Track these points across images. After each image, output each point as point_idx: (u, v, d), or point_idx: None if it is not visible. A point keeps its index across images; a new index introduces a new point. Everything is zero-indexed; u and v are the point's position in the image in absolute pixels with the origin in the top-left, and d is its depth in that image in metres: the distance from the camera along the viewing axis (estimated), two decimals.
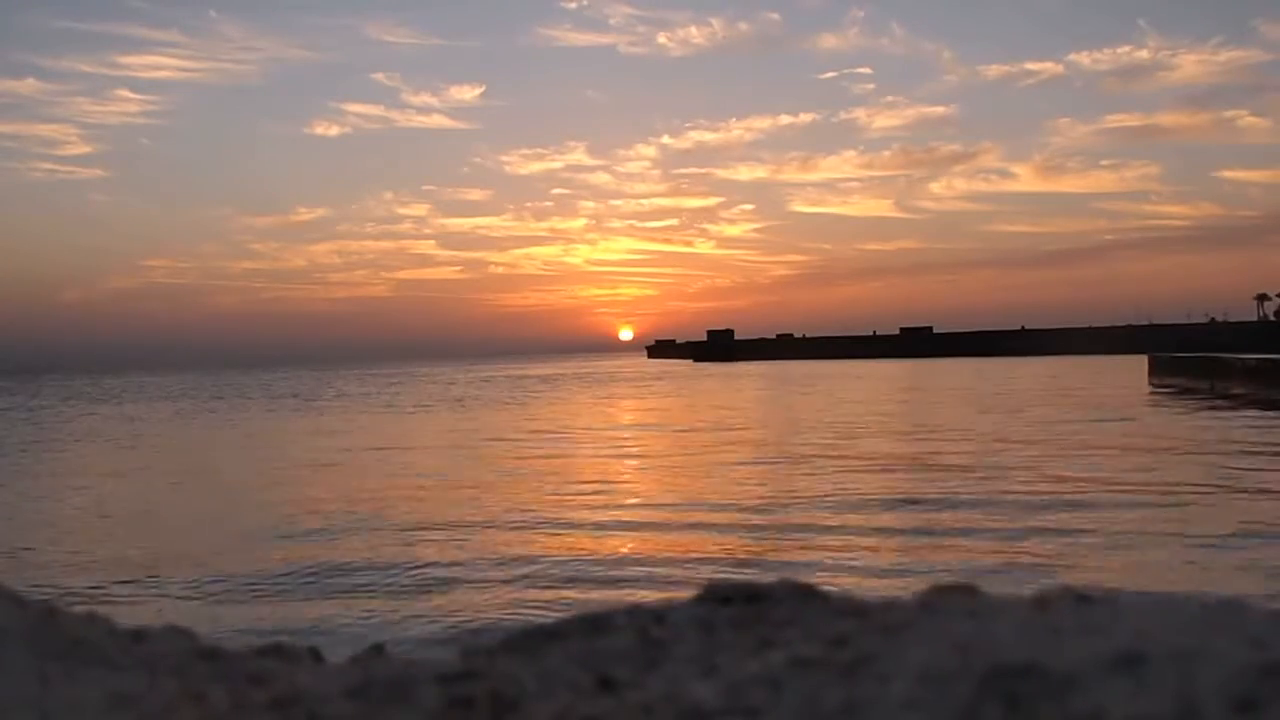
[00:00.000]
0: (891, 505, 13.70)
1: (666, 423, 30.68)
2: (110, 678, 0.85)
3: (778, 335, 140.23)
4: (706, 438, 24.59)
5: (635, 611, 0.93)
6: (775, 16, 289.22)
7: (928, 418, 27.92)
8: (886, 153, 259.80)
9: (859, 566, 10.21)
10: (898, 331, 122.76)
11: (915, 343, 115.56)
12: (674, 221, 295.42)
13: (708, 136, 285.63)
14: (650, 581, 9.70)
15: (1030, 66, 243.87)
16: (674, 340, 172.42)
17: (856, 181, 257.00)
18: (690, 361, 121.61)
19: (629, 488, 17.40)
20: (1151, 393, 36.21)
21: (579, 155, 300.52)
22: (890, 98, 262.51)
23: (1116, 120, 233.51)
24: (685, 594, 0.97)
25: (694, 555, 10.98)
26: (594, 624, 0.91)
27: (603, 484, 17.34)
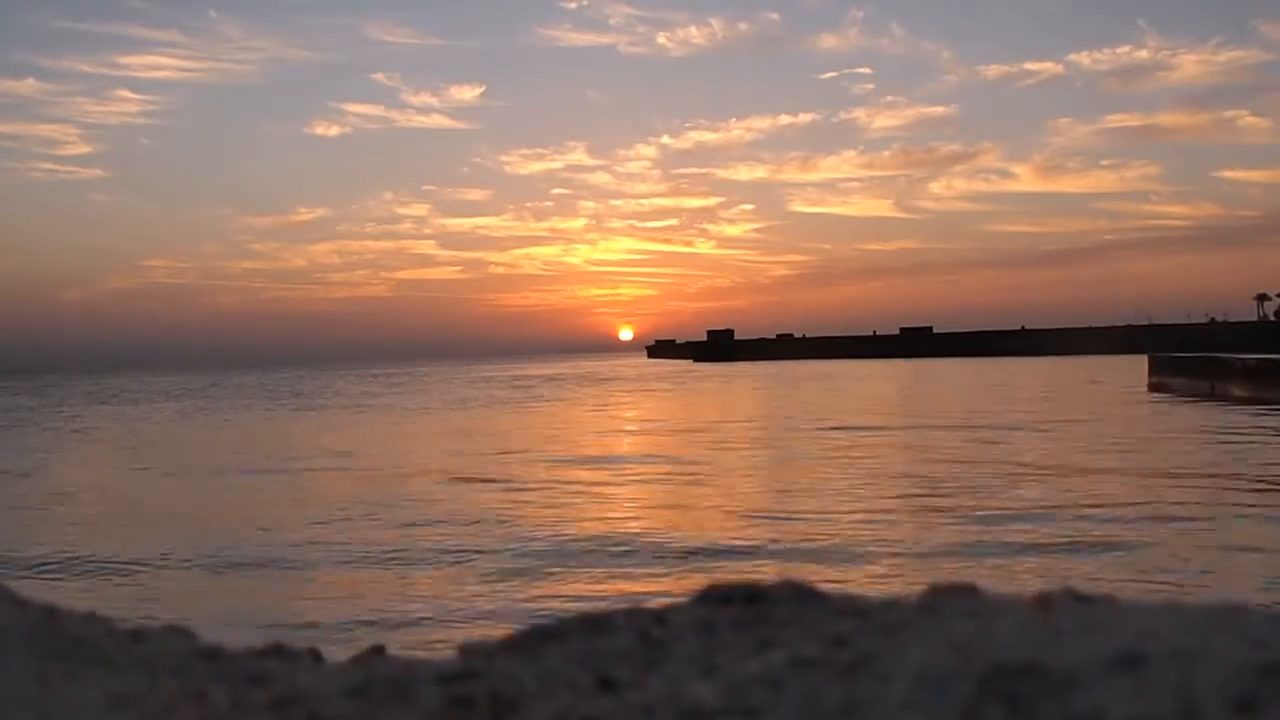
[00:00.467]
0: None
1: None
2: (110, 678, 0.85)
3: (778, 335, 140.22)
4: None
5: (635, 612, 0.93)
6: (775, 17, 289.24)
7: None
8: (886, 153, 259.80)
9: None
10: (898, 331, 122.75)
11: (915, 343, 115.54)
12: (674, 221, 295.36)
13: (708, 136, 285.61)
14: None
15: (1030, 66, 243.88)
16: (674, 340, 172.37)
17: (856, 181, 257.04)
18: (690, 361, 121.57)
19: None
20: (1151, 393, 36.22)
21: (579, 155, 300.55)
22: (890, 98, 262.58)
23: (1116, 120, 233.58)
24: (685, 594, 0.97)
25: None
26: (594, 624, 0.91)
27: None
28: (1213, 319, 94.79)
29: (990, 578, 9.10)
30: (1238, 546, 10.62)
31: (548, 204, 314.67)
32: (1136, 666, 0.67)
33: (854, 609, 0.89)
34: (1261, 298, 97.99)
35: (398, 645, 1.07)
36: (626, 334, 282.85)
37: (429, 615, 8.89)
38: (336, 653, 1.01)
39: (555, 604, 8.82)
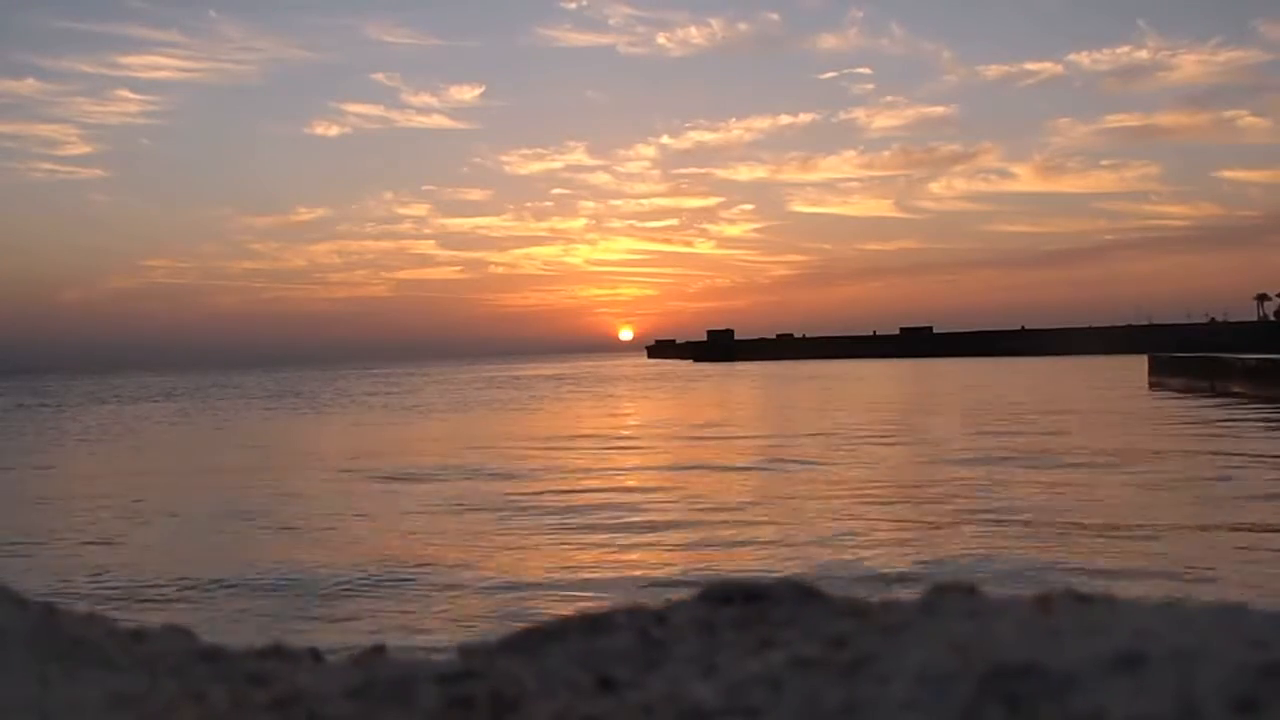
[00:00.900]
0: None
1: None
2: (110, 678, 0.85)
3: (778, 335, 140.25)
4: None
5: (635, 612, 0.93)
6: (775, 17, 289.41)
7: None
8: (886, 153, 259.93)
9: None
10: (898, 331, 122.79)
11: (915, 343, 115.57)
12: (674, 221, 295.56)
13: (707, 136, 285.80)
14: None
15: (1030, 66, 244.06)
16: (674, 340, 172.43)
17: (856, 181, 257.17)
18: (690, 361, 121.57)
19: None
20: (1151, 393, 36.23)
21: (579, 155, 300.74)
22: (890, 98, 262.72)
23: (1116, 120, 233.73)
24: (686, 594, 0.97)
25: None
26: (594, 624, 0.91)
27: None
28: (1213, 319, 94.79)
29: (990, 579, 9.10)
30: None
31: (548, 204, 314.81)
32: (1136, 666, 0.67)
33: (854, 609, 0.89)
34: (1261, 298, 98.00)
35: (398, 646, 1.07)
36: (626, 334, 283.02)
37: None
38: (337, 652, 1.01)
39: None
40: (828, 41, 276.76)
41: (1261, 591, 8.85)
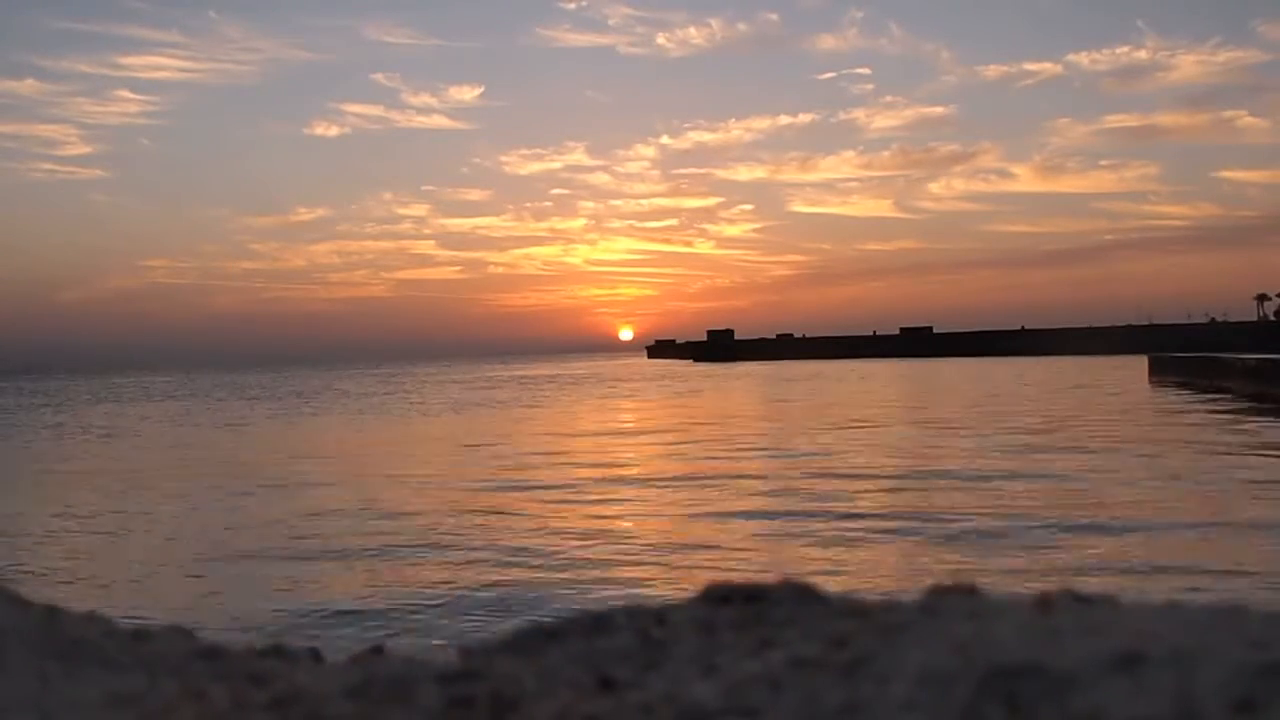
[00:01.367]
0: None
1: None
2: (110, 678, 0.85)
3: (778, 335, 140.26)
4: None
5: (635, 612, 0.93)
6: (774, 17, 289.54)
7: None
8: (886, 153, 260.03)
9: None
10: (898, 331, 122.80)
11: (915, 343, 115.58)
12: (674, 221, 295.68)
13: (707, 137, 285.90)
14: None
15: (1029, 67, 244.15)
16: (674, 340, 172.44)
17: (856, 181, 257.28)
18: (690, 361, 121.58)
19: None
20: (1151, 393, 36.22)
21: (578, 155, 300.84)
22: (889, 98, 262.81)
23: (1115, 120, 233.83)
24: (686, 594, 0.97)
25: None
26: (594, 624, 0.91)
27: None
28: (1213, 319, 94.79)
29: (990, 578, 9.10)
30: None
31: (547, 204, 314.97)
32: (1136, 667, 0.67)
33: (854, 609, 0.89)
34: (1261, 298, 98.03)
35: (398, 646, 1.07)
36: (626, 334, 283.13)
37: None
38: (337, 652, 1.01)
39: None
40: (827, 42, 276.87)
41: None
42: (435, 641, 7.75)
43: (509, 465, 20.26)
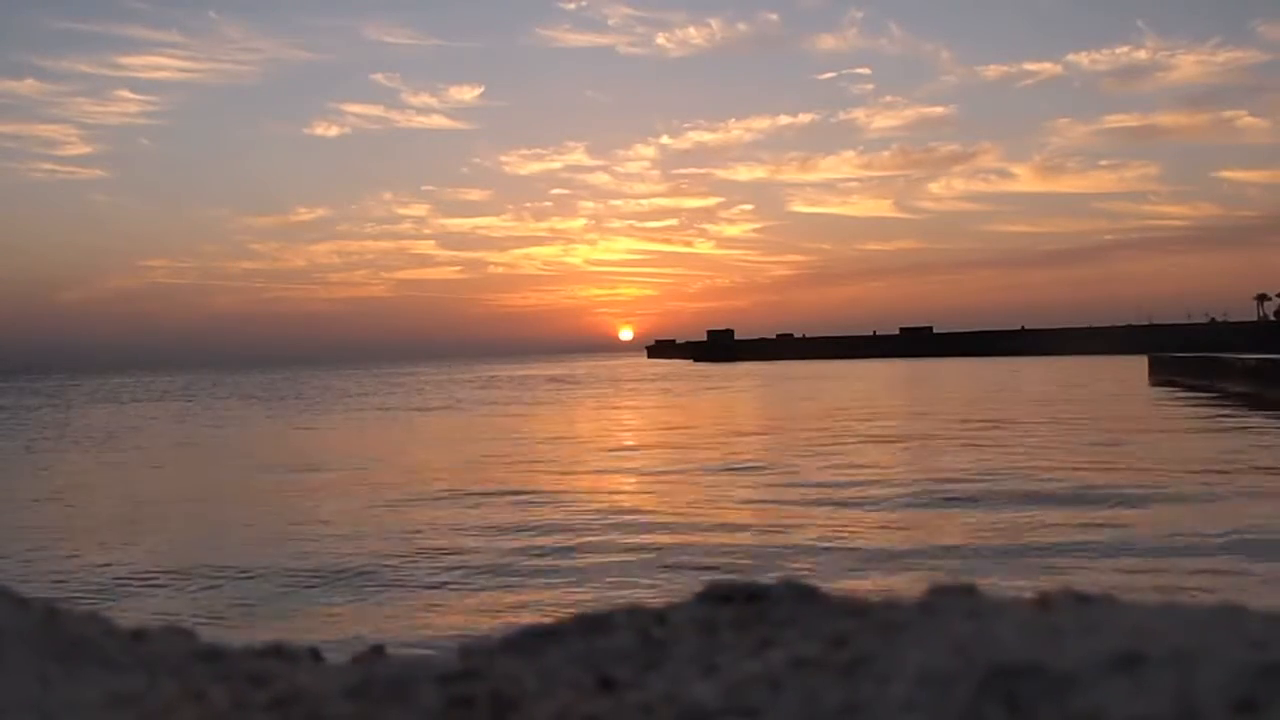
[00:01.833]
0: None
1: None
2: (110, 678, 0.85)
3: (778, 335, 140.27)
4: None
5: (635, 611, 0.93)
6: (774, 17, 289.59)
7: None
8: (886, 153, 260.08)
9: None
10: (898, 331, 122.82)
11: (915, 343, 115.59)
12: (674, 221, 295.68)
13: (707, 137, 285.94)
14: None
15: (1029, 67, 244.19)
16: (674, 340, 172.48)
17: (856, 181, 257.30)
18: (690, 361, 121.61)
19: None
20: (1152, 393, 36.21)
21: (578, 155, 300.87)
22: (889, 98, 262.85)
23: (1115, 120, 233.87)
24: (686, 594, 0.97)
25: None
26: (594, 624, 0.91)
27: None
28: (1213, 319, 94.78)
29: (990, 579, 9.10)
30: None
31: (547, 204, 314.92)
32: (1136, 666, 0.67)
33: (854, 609, 0.89)
34: (1261, 298, 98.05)
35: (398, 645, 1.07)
36: (626, 334, 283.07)
37: None
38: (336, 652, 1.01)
39: None
40: (827, 42, 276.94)
41: None
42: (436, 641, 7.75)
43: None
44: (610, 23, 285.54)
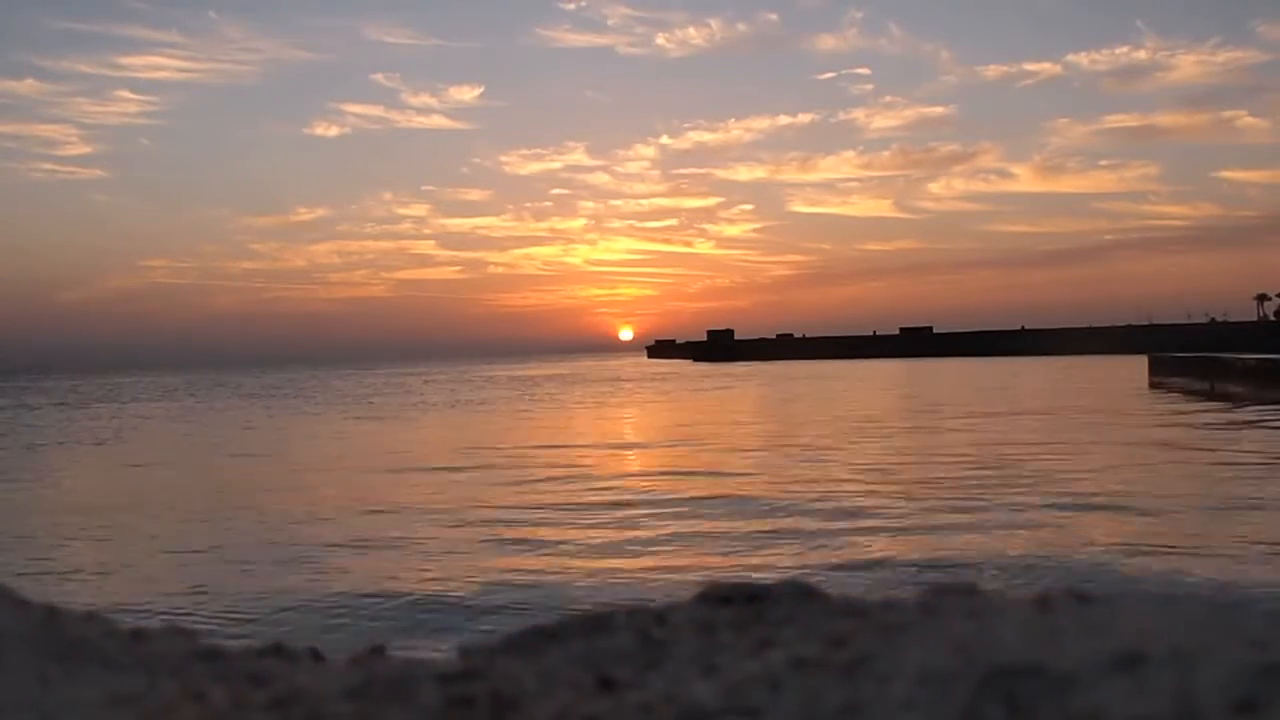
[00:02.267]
0: None
1: None
2: (110, 678, 0.85)
3: (778, 335, 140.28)
4: None
5: (635, 612, 0.93)
6: (773, 17, 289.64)
7: None
8: (885, 153, 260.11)
9: None
10: (898, 331, 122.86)
11: (915, 343, 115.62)
12: (673, 221, 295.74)
13: (707, 137, 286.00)
14: None
15: (1029, 67, 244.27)
16: (674, 340, 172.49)
17: (856, 181, 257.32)
18: (690, 361, 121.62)
19: None
20: (1151, 393, 36.18)
21: (578, 155, 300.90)
22: (889, 98, 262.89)
23: (1115, 120, 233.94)
24: (686, 594, 0.97)
25: None
26: (594, 624, 0.91)
27: None
28: (1213, 319, 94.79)
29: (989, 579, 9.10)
30: None
31: (547, 204, 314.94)
32: (1136, 666, 0.67)
33: (854, 609, 0.89)
34: (1261, 298, 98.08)
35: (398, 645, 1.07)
36: (626, 334, 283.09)
37: None
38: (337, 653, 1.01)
39: None
40: (826, 42, 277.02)
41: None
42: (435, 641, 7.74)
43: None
44: (610, 23, 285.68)
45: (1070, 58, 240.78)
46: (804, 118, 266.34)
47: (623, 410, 39.82)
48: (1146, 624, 0.76)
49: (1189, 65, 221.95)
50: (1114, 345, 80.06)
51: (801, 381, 56.62)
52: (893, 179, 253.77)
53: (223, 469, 21.92)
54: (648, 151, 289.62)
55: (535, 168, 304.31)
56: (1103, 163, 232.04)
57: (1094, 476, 15.65)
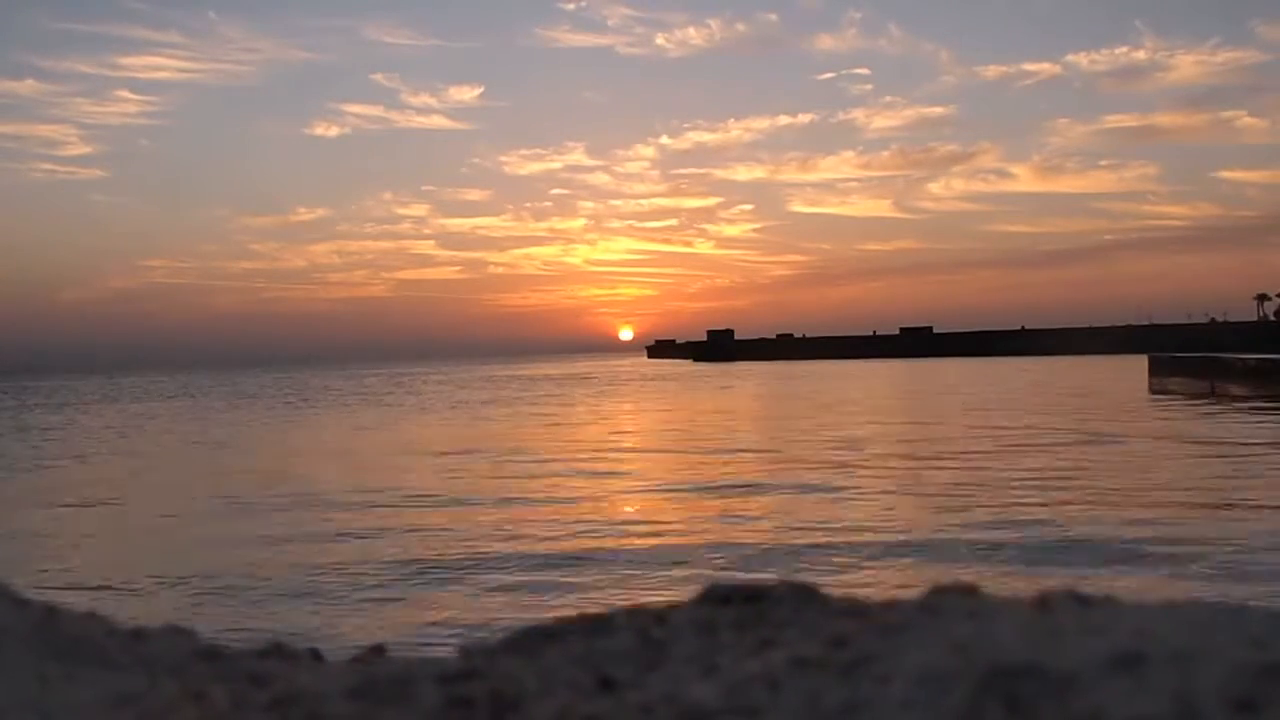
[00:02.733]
0: None
1: None
2: (110, 678, 0.85)
3: (778, 335, 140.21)
4: None
5: (636, 612, 0.93)
6: (773, 17, 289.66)
7: None
8: (885, 153, 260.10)
9: None
10: (897, 331, 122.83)
11: (915, 343, 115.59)
12: (673, 221, 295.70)
13: (706, 137, 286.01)
14: None
15: (1028, 67, 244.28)
16: (674, 340, 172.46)
17: (855, 182, 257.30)
18: (690, 361, 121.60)
19: None
20: (1151, 393, 36.16)
21: (578, 155, 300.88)
22: (888, 98, 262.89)
23: (1115, 120, 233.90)
24: (686, 594, 0.97)
25: None
26: (594, 624, 0.91)
27: None
28: (1213, 319, 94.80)
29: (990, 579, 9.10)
30: None
31: (547, 204, 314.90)
32: (1136, 667, 0.67)
33: (854, 609, 0.89)
34: (1261, 298, 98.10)
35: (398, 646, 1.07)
36: (626, 334, 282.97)
37: None
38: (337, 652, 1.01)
39: None
40: (826, 42, 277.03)
41: None
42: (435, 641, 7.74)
43: None
44: (610, 23, 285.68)
45: (1070, 58, 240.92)
46: (803, 118, 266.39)
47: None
48: (1146, 624, 0.76)
49: (1188, 65, 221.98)
50: (1114, 345, 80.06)
51: (800, 381, 56.51)
52: (892, 179, 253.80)
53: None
54: (647, 151, 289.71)
55: (535, 168, 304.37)
56: (1102, 163, 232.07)
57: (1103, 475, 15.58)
